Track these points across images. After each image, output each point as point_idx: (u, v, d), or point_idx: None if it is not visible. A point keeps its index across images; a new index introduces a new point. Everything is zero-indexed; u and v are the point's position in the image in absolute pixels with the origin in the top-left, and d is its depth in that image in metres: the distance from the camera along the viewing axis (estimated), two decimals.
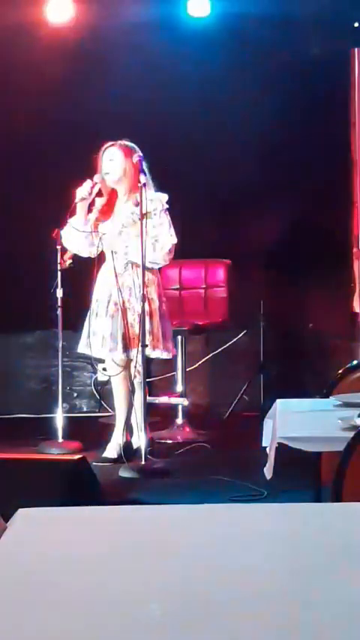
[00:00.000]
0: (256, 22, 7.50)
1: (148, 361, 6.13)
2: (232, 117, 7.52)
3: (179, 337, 6.88)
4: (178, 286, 7.37)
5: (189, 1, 7.49)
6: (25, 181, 7.49)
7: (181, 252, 6.27)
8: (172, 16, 7.52)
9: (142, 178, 5.86)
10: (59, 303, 6.40)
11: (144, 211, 5.81)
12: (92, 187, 6.07)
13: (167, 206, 6.06)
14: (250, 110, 7.48)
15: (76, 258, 6.27)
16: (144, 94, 7.47)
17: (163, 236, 6.02)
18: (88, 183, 6.06)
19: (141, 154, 6.05)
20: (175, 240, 6.03)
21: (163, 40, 7.49)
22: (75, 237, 6.13)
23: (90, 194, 6.07)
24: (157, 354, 6.11)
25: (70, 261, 6.30)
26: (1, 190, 7.54)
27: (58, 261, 6.32)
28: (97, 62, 7.52)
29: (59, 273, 6.35)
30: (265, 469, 3.35)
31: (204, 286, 7.39)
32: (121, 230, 6.08)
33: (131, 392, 6.10)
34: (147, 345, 5.90)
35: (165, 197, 6.06)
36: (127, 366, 6.08)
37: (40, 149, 7.48)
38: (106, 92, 7.48)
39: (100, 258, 6.17)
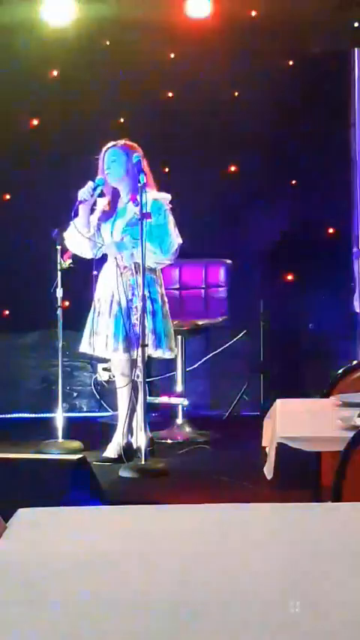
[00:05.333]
0: (256, 22, 7.50)
1: (149, 361, 6.13)
2: (232, 117, 7.52)
3: (179, 337, 6.88)
4: (178, 286, 7.37)
5: (189, 1, 7.48)
6: (25, 181, 7.48)
7: (181, 252, 6.27)
8: (172, 15, 7.50)
9: (142, 178, 5.84)
10: (59, 303, 6.40)
11: (147, 211, 5.79)
12: (94, 189, 6.04)
13: (170, 205, 6.05)
14: (250, 110, 7.48)
15: (75, 257, 6.26)
16: (144, 94, 7.47)
17: (170, 236, 6.01)
18: (89, 185, 6.04)
19: (141, 153, 6.03)
20: (180, 240, 6.02)
21: (163, 39, 7.48)
22: (78, 240, 6.11)
23: (92, 195, 6.04)
24: (160, 353, 6.11)
25: (70, 260, 6.29)
26: (1, 190, 7.53)
27: (58, 261, 6.32)
28: (97, 62, 7.52)
29: (59, 273, 6.35)
30: (265, 469, 3.35)
31: (204, 286, 7.39)
32: (125, 229, 6.05)
33: (135, 392, 6.09)
34: (147, 345, 5.90)
35: (168, 197, 6.06)
36: (131, 367, 6.07)
37: (40, 149, 7.48)
38: (106, 92, 7.48)
39: (101, 257, 6.15)
